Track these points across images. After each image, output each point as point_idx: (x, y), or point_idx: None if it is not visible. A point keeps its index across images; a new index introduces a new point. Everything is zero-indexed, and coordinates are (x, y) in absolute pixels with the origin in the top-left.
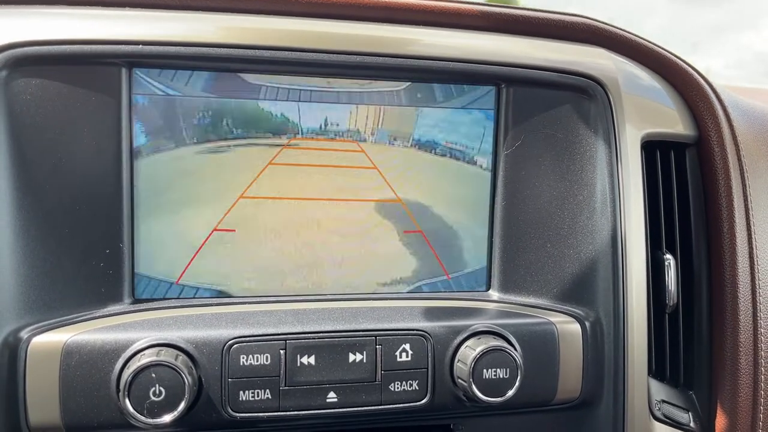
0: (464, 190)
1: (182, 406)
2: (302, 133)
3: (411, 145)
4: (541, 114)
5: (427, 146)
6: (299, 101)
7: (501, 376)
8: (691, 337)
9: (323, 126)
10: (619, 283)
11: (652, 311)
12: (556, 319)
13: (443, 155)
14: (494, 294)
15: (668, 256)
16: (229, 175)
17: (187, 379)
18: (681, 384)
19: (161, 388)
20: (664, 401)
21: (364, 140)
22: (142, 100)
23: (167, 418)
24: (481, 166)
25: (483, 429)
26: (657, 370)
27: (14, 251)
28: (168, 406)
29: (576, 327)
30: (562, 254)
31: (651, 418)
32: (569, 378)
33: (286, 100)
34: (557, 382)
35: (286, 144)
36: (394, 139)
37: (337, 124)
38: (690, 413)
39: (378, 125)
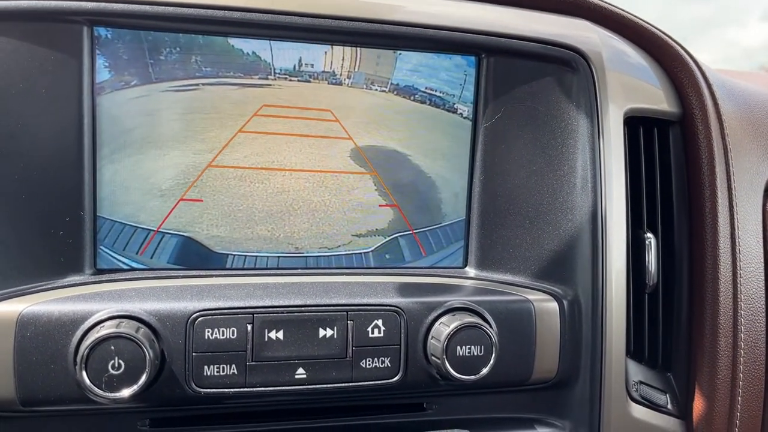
0: (444, 142)
1: (143, 380)
2: (274, 74)
3: (389, 90)
4: (522, 86)
5: (406, 92)
6: (271, 39)
7: (475, 354)
8: (670, 318)
9: (297, 66)
10: (599, 262)
11: (631, 291)
12: (534, 297)
13: (422, 102)
14: (471, 271)
15: (649, 235)
16: (199, 123)
17: (149, 353)
18: (659, 365)
19: (120, 361)
20: (641, 382)
21: (340, 83)
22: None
23: (126, 392)
24: (461, 114)
25: (456, 408)
26: (635, 350)
27: None
28: (127, 379)
29: (553, 305)
30: (541, 231)
31: (628, 399)
32: (546, 357)
33: (258, 38)
34: (533, 362)
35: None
36: (372, 83)
37: (312, 65)
38: (668, 395)
39: (355, 68)
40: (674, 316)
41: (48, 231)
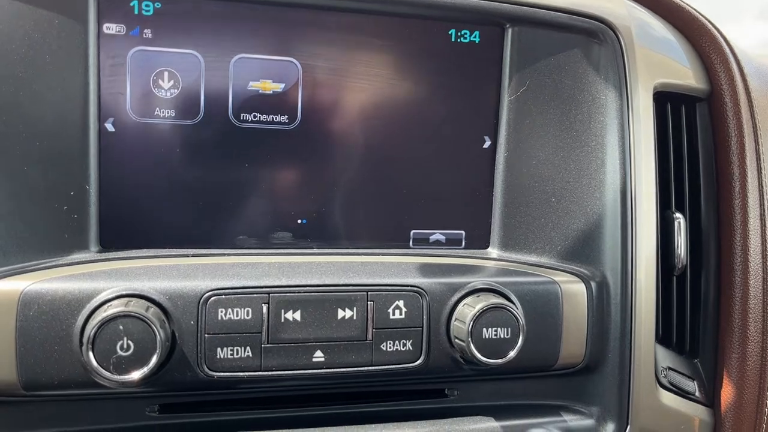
0: None
1: (153, 361)
2: None
3: None
4: (548, 59)
5: None
6: None
7: (502, 336)
8: (697, 302)
9: None
10: (628, 242)
11: (660, 273)
12: (560, 278)
13: None
14: (493, 252)
15: (678, 215)
16: None
17: (159, 333)
18: (686, 351)
19: (129, 342)
20: (670, 368)
21: None
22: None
23: (136, 375)
24: None
25: (478, 394)
26: (663, 335)
27: None
28: (137, 362)
29: (581, 287)
30: (567, 210)
31: (657, 385)
32: (572, 341)
33: None
34: (560, 346)
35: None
36: None
37: None
38: (695, 382)
39: None
40: (702, 300)
41: (51, 205)
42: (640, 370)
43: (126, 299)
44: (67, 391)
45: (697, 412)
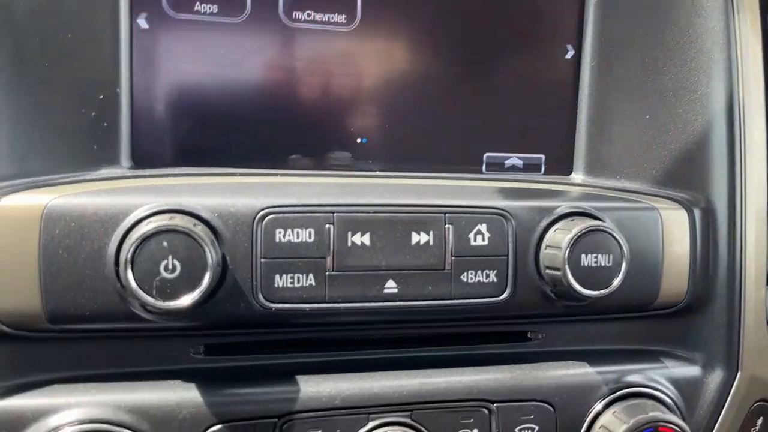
0: None
1: (204, 284)
2: None
3: None
4: None
5: None
6: None
7: (603, 264)
8: None
9: None
10: (736, 161)
11: None
12: (659, 204)
13: None
14: (578, 177)
15: None
16: None
17: (211, 252)
18: None
19: (175, 262)
20: None
21: None
22: None
23: (186, 300)
24: None
25: (566, 339)
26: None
27: None
28: (185, 285)
29: (682, 214)
30: (665, 126)
31: None
32: (674, 276)
33: None
34: (660, 281)
35: None
36: None
37: None
38: None
39: None
40: None
41: (77, 109)
42: (751, 311)
43: (169, 215)
44: (100, 324)
45: None
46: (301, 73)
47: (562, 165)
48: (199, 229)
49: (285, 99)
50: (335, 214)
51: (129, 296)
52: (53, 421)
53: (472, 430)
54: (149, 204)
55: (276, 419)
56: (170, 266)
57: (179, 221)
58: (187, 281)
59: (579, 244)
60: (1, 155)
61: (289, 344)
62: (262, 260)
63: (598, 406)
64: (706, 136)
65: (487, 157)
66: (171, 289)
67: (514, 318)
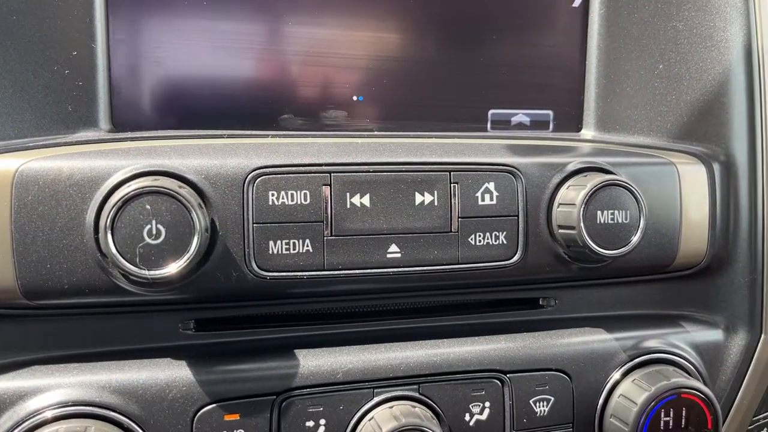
0: None
1: (192, 249)
2: None
3: None
4: None
5: None
6: None
7: (620, 221)
8: None
9: None
10: (756, 113)
11: None
12: (676, 159)
13: None
14: (588, 134)
15: None
16: None
17: (198, 215)
18: None
19: (160, 227)
20: None
21: None
22: None
23: (172, 267)
24: None
25: (580, 305)
26: None
27: None
28: (171, 251)
29: (700, 168)
30: (679, 77)
31: None
32: (693, 235)
33: None
34: (678, 241)
35: None
36: None
37: None
38: None
39: None
40: None
41: (50, 67)
42: None
43: (152, 177)
44: (81, 299)
45: None
46: (291, 21)
47: (571, 121)
48: (185, 191)
49: (274, 52)
50: (332, 174)
51: (110, 266)
52: (33, 404)
53: (484, 402)
54: (130, 166)
55: (274, 396)
56: (154, 231)
57: (163, 183)
58: (173, 247)
59: (594, 199)
60: None
61: (286, 317)
62: (254, 225)
63: (617, 375)
64: (724, 85)
65: (492, 114)
66: (156, 257)
67: (526, 283)
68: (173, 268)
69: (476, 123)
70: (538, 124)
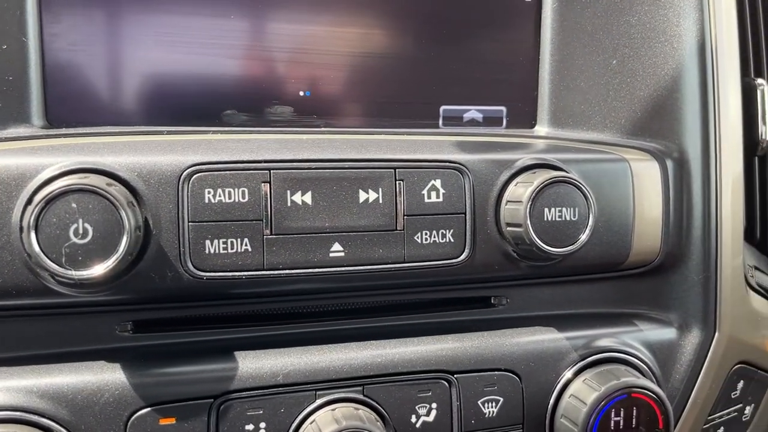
0: None
1: (121, 249)
2: None
3: None
4: None
5: None
6: None
7: (567, 218)
8: None
9: None
10: (710, 109)
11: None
12: (629, 155)
13: None
14: (542, 130)
15: (760, 81)
16: None
17: (127, 214)
18: None
19: (87, 226)
20: (756, 268)
21: None
22: None
23: (99, 268)
24: None
25: (532, 303)
26: (745, 229)
27: None
28: (98, 252)
29: (653, 165)
30: (633, 72)
31: (747, 287)
32: (646, 232)
33: None
34: (631, 238)
35: None
36: None
37: None
38: None
39: None
40: None
41: None
42: (728, 268)
43: (81, 174)
44: (9, 300)
45: None
46: (233, 14)
47: (524, 117)
48: (115, 189)
49: (216, 45)
50: (272, 171)
51: (36, 266)
52: None
53: (430, 404)
54: (59, 163)
55: (211, 400)
56: (81, 231)
57: (91, 181)
58: (102, 248)
59: (541, 196)
60: None
61: (227, 318)
62: (190, 224)
63: (568, 374)
64: (677, 81)
65: (444, 110)
66: (83, 257)
67: (476, 282)
68: (100, 268)
69: (427, 119)
70: (491, 121)
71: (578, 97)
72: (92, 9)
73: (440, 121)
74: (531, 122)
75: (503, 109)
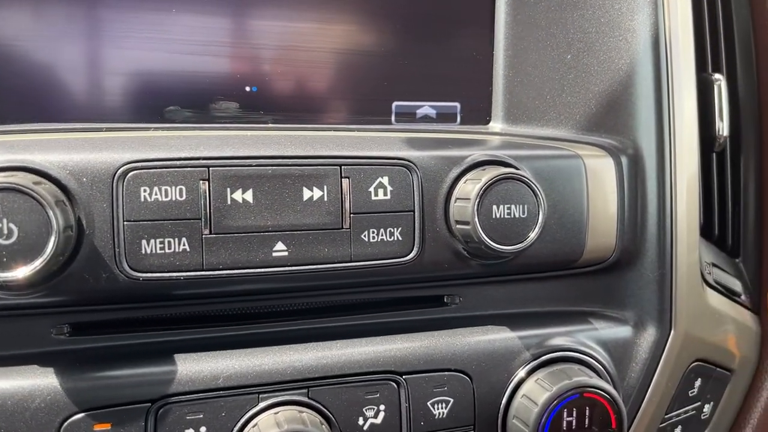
0: None
1: (48, 251)
2: None
3: None
4: None
5: None
6: None
7: (516, 215)
8: (738, 187)
9: None
10: (664, 104)
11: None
12: (583, 151)
13: None
14: (497, 126)
15: (717, 76)
16: None
17: (55, 214)
18: (728, 247)
19: (11, 226)
20: (714, 265)
21: None
22: None
23: (23, 270)
24: None
25: (486, 302)
26: (702, 226)
27: None
28: (23, 254)
29: (608, 161)
30: (587, 67)
31: (703, 283)
32: (601, 229)
33: None
34: (585, 235)
35: None
36: None
37: None
38: (740, 283)
39: None
40: (743, 184)
41: None
42: (684, 265)
43: (8, 173)
44: None
45: (745, 318)
46: (176, 13)
47: (479, 113)
48: (42, 188)
49: (158, 38)
50: (210, 169)
51: None
52: None
53: (378, 405)
54: None
55: (149, 403)
56: (5, 231)
57: (15, 179)
58: (28, 248)
59: (489, 193)
60: None
61: (166, 321)
62: (125, 223)
63: (521, 373)
64: (631, 76)
65: (396, 106)
66: (8, 258)
67: (426, 281)
68: (26, 270)
69: (379, 115)
70: (444, 117)
71: (533, 93)
72: (23, 1)
73: (393, 118)
74: (486, 118)
75: (457, 105)
